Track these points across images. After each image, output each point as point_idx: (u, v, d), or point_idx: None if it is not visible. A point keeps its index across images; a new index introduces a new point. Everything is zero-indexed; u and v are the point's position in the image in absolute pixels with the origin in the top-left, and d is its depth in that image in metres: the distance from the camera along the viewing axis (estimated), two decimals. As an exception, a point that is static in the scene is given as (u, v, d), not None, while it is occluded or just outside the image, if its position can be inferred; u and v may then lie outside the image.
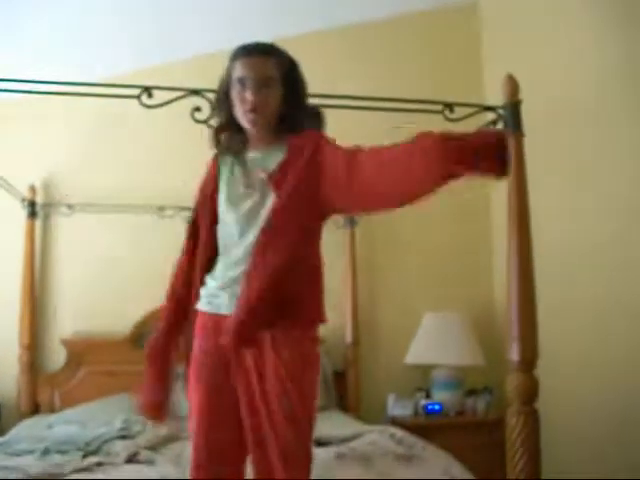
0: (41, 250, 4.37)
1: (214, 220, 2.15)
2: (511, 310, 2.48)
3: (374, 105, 2.63)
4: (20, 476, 2.61)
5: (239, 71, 2.02)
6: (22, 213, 4.26)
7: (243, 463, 2.12)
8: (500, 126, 2.59)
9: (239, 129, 2.11)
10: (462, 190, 4.59)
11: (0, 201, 4.14)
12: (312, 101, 2.39)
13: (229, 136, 2.14)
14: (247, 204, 2.08)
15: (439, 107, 2.57)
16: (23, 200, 4.23)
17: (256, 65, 2.01)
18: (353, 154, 2.01)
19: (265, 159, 2.11)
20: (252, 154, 2.15)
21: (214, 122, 2.20)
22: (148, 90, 2.28)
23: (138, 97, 2.28)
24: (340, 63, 4.61)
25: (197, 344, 2.12)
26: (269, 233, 1.99)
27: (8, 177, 3.87)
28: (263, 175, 2.07)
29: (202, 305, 2.14)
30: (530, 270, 2.48)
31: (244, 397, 2.01)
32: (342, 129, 4.34)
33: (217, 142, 2.18)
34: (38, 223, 4.35)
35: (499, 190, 4.39)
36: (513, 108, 2.55)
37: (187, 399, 2.13)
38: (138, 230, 4.28)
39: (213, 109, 2.18)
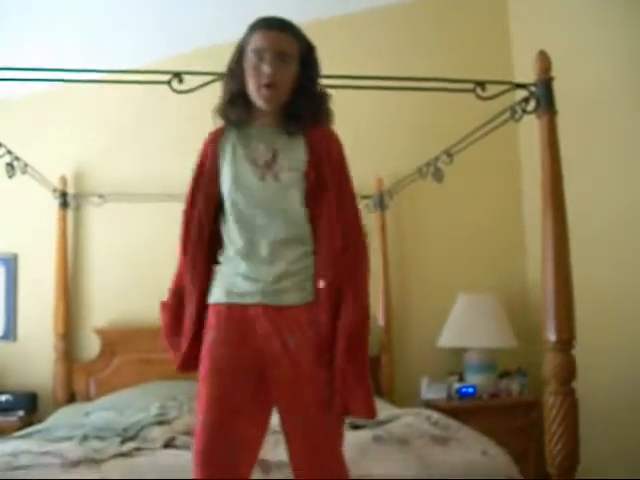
0: (73, 240, 4.41)
1: (215, 201, 2.04)
2: (547, 290, 2.46)
3: (406, 85, 2.61)
4: (60, 461, 2.65)
5: (257, 43, 1.93)
6: (54, 204, 4.30)
7: (254, 461, 2.03)
8: (532, 104, 2.57)
9: (246, 105, 2.00)
10: (493, 170, 4.65)
11: (32, 192, 4.19)
12: (343, 82, 2.37)
13: (236, 110, 2.01)
14: (264, 187, 1.98)
15: (470, 85, 2.55)
16: (54, 191, 4.27)
17: (276, 39, 1.93)
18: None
19: (279, 141, 2.03)
20: (257, 129, 2.04)
21: (222, 95, 2.07)
22: (178, 75, 2.29)
23: (169, 83, 2.29)
24: (371, 45, 4.59)
25: (212, 335, 2.00)
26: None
27: (39, 168, 3.90)
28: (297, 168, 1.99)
29: (222, 296, 2.03)
30: (565, 249, 2.46)
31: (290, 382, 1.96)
32: (375, 110, 4.38)
33: (224, 115, 2.04)
34: (70, 213, 4.39)
35: (532, 168, 4.38)
36: (545, 85, 2.52)
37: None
38: (169, 218, 4.26)
39: (223, 81, 2.08)
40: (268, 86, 1.92)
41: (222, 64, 2.35)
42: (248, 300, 1.97)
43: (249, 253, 1.98)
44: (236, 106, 2.00)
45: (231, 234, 2.01)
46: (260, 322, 1.96)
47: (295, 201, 1.99)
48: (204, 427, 1.94)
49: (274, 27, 1.95)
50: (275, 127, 2.04)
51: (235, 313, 1.98)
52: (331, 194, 1.99)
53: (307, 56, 2.02)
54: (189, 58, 3.95)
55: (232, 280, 2.00)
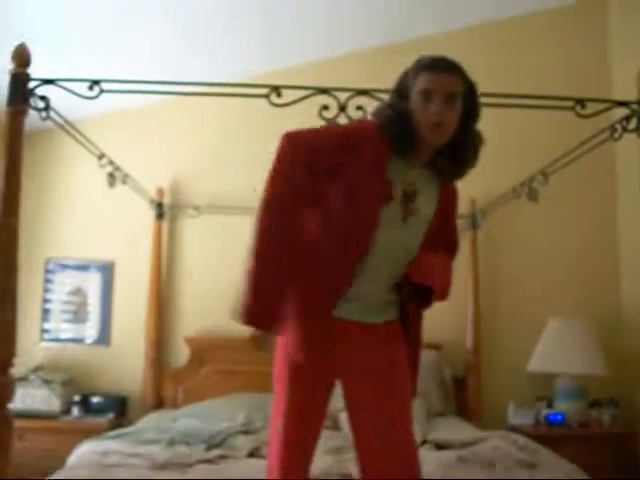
0: (168, 250, 4.53)
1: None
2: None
3: (504, 102, 2.58)
4: (148, 463, 2.72)
5: (425, 83, 1.92)
6: (150, 214, 4.44)
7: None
8: (634, 123, 2.50)
9: (410, 131, 1.95)
10: (589, 192, 4.53)
11: (130, 203, 4.33)
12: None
13: (402, 132, 1.95)
14: (410, 226, 2.02)
15: (569, 103, 2.51)
16: (151, 201, 4.40)
17: (444, 80, 1.92)
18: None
19: (419, 180, 2.04)
20: (414, 170, 2.03)
21: (381, 111, 2.02)
22: (277, 89, 2.33)
23: (267, 96, 2.33)
24: (467, 61, 4.53)
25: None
26: None
27: (138, 179, 4.03)
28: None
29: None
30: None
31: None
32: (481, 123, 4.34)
33: (390, 128, 1.96)
34: (165, 224, 4.52)
35: (628, 191, 4.25)
36: (649, 103, 2.46)
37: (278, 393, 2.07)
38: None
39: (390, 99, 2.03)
40: (438, 125, 1.91)
41: (318, 80, 2.40)
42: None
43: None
44: (401, 127, 1.95)
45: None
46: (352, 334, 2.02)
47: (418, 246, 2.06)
48: (287, 440, 2.00)
49: (441, 68, 1.94)
50: (422, 166, 2.04)
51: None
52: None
53: (471, 94, 2.01)
54: (285, 75, 4.01)
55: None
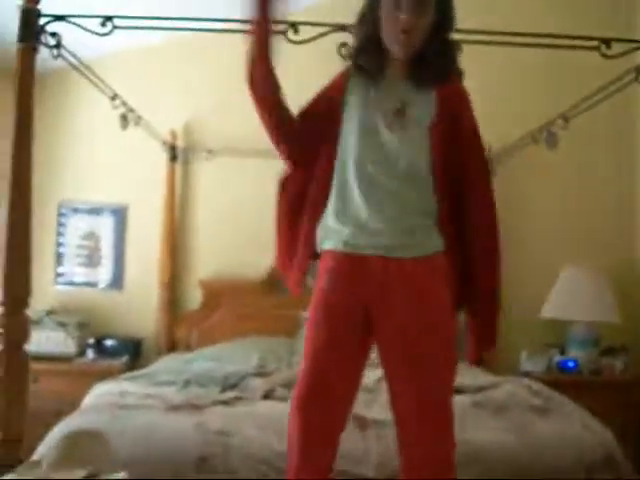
0: (181, 193, 4.51)
1: (335, 132, 2.04)
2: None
3: (528, 41, 2.52)
4: (163, 404, 2.74)
5: None
6: (164, 157, 4.40)
7: (348, 415, 2.02)
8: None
9: (378, 51, 1.97)
10: (608, 140, 4.45)
11: (143, 145, 4.27)
12: (467, 37, 2.30)
13: (368, 57, 1.98)
14: (391, 138, 1.96)
15: (593, 43, 2.43)
16: (164, 143, 4.36)
17: None
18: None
19: (407, 93, 1.97)
20: (388, 79, 2.00)
21: (353, 41, 2.06)
22: (294, 26, 2.27)
23: (284, 33, 2.27)
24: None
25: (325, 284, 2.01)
26: None
27: (151, 120, 3.98)
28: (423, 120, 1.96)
29: (334, 245, 2.03)
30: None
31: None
32: (496, 64, 4.25)
33: (355, 62, 2.02)
34: (178, 167, 4.48)
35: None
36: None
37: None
38: (277, 176, 4.28)
39: (355, 27, 2.05)
40: (405, 32, 1.87)
41: (335, 19, 2.33)
42: (365, 252, 1.97)
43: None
44: (368, 53, 1.98)
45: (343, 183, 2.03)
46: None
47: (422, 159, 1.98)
48: (307, 373, 1.95)
49: None
50: (404, 79, 1.99)
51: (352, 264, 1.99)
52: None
53: (444, 5, 1.94)
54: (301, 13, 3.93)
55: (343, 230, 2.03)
